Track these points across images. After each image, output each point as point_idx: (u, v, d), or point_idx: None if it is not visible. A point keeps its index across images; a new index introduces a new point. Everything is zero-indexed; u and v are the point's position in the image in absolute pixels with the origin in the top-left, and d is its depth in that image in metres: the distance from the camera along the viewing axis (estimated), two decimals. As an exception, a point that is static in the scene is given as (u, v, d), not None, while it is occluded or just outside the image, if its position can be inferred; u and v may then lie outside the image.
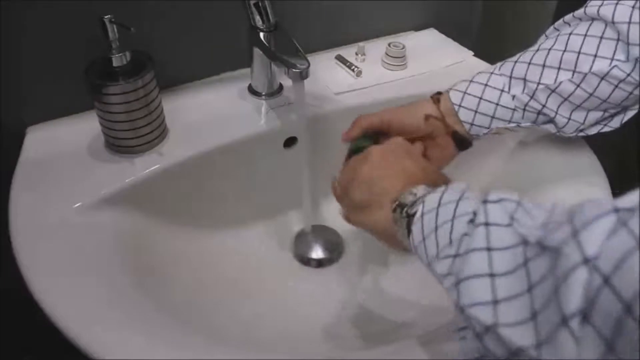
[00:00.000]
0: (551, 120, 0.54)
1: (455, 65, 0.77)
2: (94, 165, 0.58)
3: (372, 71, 0.75)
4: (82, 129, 0.62)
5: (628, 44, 0.47)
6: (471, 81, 0.55)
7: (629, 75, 0.48)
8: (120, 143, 0.59)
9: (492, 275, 0.31)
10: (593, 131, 0.55)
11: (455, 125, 0.54)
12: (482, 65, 0.77)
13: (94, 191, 0.55)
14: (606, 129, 0.54)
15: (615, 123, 0.54)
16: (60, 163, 0.58)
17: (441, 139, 0.55)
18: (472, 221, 0.35)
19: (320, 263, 0.67)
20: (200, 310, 0.55)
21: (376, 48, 0.77)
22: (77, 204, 0.54)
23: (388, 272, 0.65)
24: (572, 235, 0.26)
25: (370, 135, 0.56)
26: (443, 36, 0.85)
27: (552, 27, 0.55)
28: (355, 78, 0.74)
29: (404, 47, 0.75)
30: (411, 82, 0.74)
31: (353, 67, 0.74)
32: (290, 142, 0.68)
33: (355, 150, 0.54)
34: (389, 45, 0.75)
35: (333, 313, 0.61)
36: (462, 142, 0.55)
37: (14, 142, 0.61)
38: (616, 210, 0.25)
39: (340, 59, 0.77)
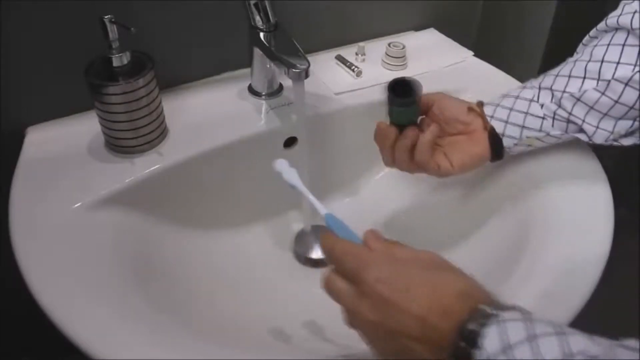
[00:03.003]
0: (581, 129, 0.54)
1: (455, 65, 0.77)
2: (94, 165, 0.58)
3: (372, 71, 0.75)
4: (82, 129, 0.62)
5: None
6: (505, 95, 0.57)
7: None
8: (120, 143, 0.59)
9: None
10: (628, 142, 0.54)
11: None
12: (482, 65, 0.78)
13: (93, 191, 0.55)
14: None
15: None
16: (60, 163, 0.58)
17: (477, 134, 0.56)
18: None
19: (320, 263, 0.67)
20: (200, 310, 0.55)
21: (376, 48, 0.77)
22: (77, 204, 0.54)
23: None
24: None
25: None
26: (443, 36, 0.85)
27: (580, 44, 0.56)
28: (355, 78, 0.74)
29: (404, 47, 0.75)
30: (411, 82, 0.74)
31: (353, 67, 0.74)
32: (290, 142, 0.68)
33: (398, 122, 0.53)
34: (389, 45, 0.75)
35: (333, 313, 0.61)
36: (497, 147, 0.56)
37: (14, 142, 0.61)
38: None
39: (340, 59, 0.77)
